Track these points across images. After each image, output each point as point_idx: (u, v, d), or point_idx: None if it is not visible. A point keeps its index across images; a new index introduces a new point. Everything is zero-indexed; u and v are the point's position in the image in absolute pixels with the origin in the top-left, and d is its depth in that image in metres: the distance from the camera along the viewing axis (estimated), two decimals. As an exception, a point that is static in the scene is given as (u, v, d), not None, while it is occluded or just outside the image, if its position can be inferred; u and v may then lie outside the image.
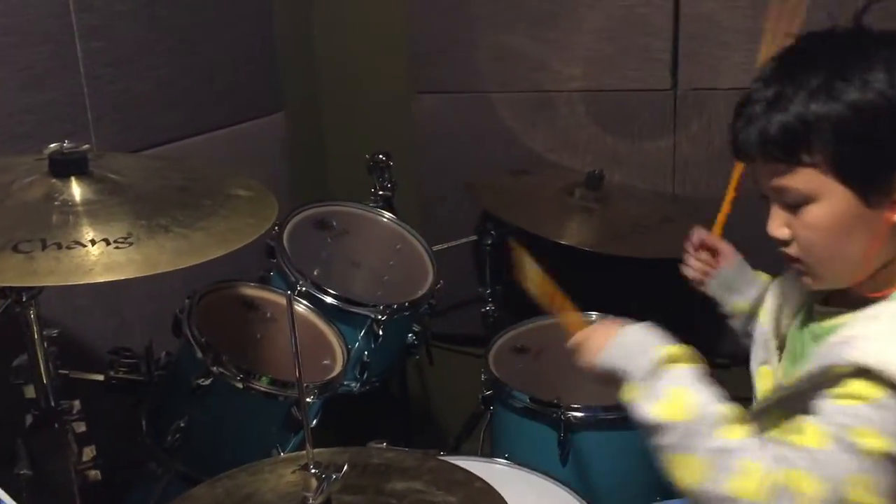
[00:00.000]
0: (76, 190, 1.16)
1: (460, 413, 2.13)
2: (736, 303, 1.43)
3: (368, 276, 1.87)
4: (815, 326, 1.12)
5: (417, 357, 1.94)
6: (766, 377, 1.22)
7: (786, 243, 1.05)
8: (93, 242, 1.05)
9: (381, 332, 1.68)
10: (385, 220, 1.94)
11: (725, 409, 1.00)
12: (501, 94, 2.22)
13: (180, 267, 1.05)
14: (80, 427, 1.31)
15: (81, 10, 1.62)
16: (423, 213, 2.33)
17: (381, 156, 2.00)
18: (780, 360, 1.21)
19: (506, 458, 1.60)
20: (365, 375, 1.71)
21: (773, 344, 1.22)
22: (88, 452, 1.27)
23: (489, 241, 2.11)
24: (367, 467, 1.14)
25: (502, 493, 1.08)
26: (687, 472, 0.98)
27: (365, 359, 1.70)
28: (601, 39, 2.10)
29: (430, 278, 1.85)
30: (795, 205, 1.01)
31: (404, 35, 2.30)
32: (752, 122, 1.00)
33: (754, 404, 1.20)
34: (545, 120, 2.20)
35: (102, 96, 1.69)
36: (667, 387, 1.02)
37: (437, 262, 1.91)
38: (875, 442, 0.90)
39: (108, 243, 1.05)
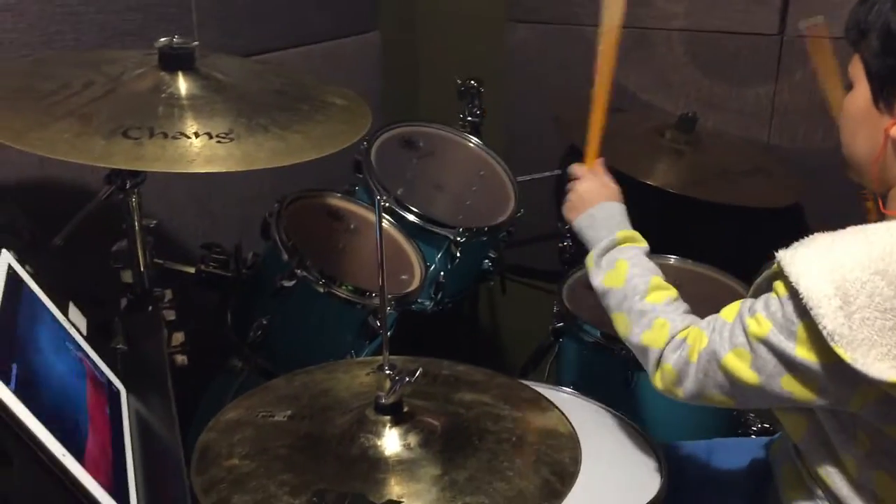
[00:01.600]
0: (182, 84, 1.20)
1: (528, 344, 2.15)
2: None
3: (450, 200, 1.89)
4: None
5: (492, 283, 1.96)
6: None
7: None
8: (196, 135, 1.09)
9: (458, 254, 1.71)
10: (471, 144, 1.95)
11: (653, 280, 1.23)
12: (597, 28, 2.17)
13: (276, 165, 1.08)
14: (171, 315, 1.38)
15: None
16: (509, 142, 2.32)
17: (472, 81, 2.00)
18: None
19: (571, 388, 1.62)
20: (439, 295, 1.74)
21: None
22: (178, 338, 1.34)
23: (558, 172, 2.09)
24: (437, 377, 1.18)
25: (569, 415, 1.11)
26: (619, 327, 1.24)
27: (440, 279, 1.73)
28: (710, -22, 2.04)
29: (511, 207, 1.86)
30: (847, 87, 1.10)
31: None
32: (852, 11, 1.08)
33: None
34: (641, 58, 2.16)
35: (207, 1, 1.72)
36: (614, 260, 1.26)
37: (519, 192, 1.91)
38: (757, 328, 1.01)
39: (210, 137, 1.09)
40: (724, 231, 2.05)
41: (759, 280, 1.09)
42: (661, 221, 2.10)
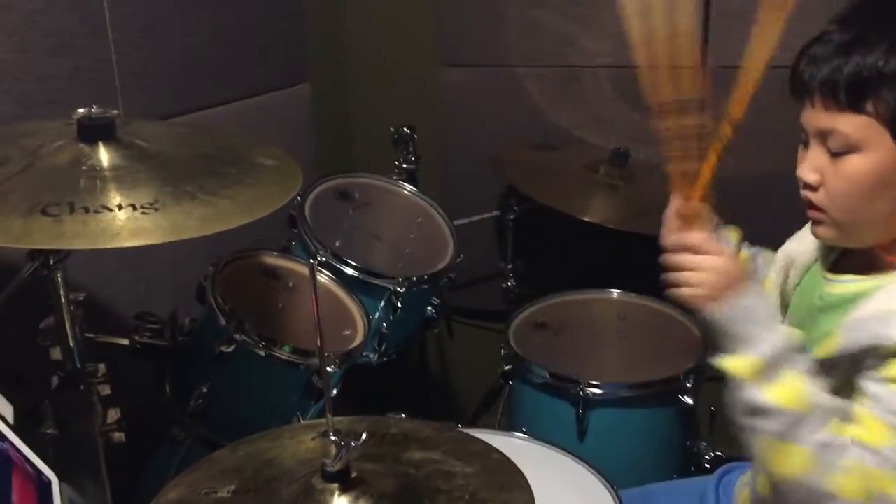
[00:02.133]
0: (104, 155, 1.16)
1: (479, 387, 2.14)
2: None
3: (389, 249, 1.88)
4: (826, 294, 1.10)
5: (436, 330, 1.95)
6: None
7: (812, 188, 1.03)
8: (120, 207, 1.06)
9: (399, 305, 1.69)
10: (407, 192, 1.94)
11: (834, 403, 0.98)
12: (528, 68, 2.21)
13: (206, 233, 1.05)
14: (105, 390, 1.33)
15: (110, -24, 1.63)
16: (446, 186, 2.33)
17: (405, 128, 2.00)
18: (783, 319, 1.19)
19: (524, 433, 1.60)
20: (383, 347, 1.72)
21: (778, 301, 1.21)
22: (113, 415, 1.29)
23: (512, 217, 2.10)
24: (385, 436, 1.15)
25: (522, 465, 1.09)
26: (789, 461, 0.96)
27: (384, 330, 1.71)
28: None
29: (451, 253, 1.85)
30: (837, 151, 0.99)
31: (432, 7, 2.28)
32: (824, 60, 0.98)
33: None
34: (571, 95, 2.19)
35: (130, 63, 1.69)
36: (786, 372, 0.98)
37: (458, 237, 1.91)
38: None
39: (134, 208, 1.06)
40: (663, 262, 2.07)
41: (841, 356, 0.98)
42: (601, 257, 2.13)
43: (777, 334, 0.99)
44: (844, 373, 0.98)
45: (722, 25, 2.01)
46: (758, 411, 0.98)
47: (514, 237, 2.13)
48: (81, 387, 1.27)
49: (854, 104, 0.96)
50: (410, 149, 1.99)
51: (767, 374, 0.98)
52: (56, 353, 1.29)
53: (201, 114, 1.88)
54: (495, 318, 2.18)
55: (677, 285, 1.07)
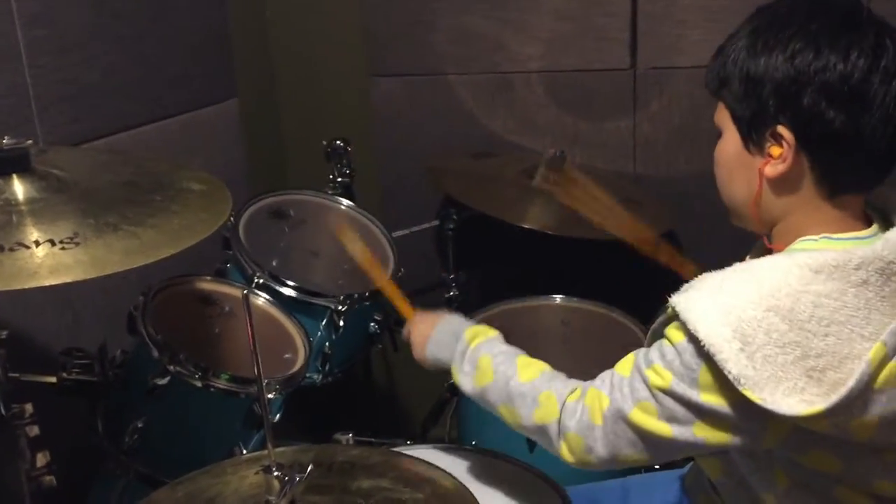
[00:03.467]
0: (18, 188, 1.11)
1: (427, 400, 2.12)
2: None
3: (328, 266, 1.84)
4: None
5: (381, 346, 1.92)
6: None
7: None
8: (37, 243, 1.01)
9: (342, 323, 1.66)
10: (343, 207, 1.91)
11: (519, 360, 1.21)
12: (460, 75, 2.19)
13: (130, 267, 1.01)
14: (34, 431, 1.26)
15: (21, -3, 1.56)
16: (383, 199, 2.30)
17: (338, 142, 1.96)
18: None
19: (473, 445, 1.59)
20: (327, 367, 1.69)
21: None
22: (42, 458, 1.23)
23: (451, 226, 2.08)
24: (332, 466, 1.12)
25: (472, 483, 1.07)
26: (509, 419, 1.20)
27: (326, 350, 1.68)
28: (559, 20, 2.08)
29: (392, 266, 1.83)
30: (718, 135, 1.10)
31: (360, 17, 2.25)
32: (713, 59, 1.09)
33: None
34: (505, 101, 2.18)
35: (47, 86, 1.62)
36: (474, 360, 1.23)
37: (398, 249, 1.88)
38: (658, 380, 1.01)
39: (53, 244, 1.01)
40: (604, 265, 2.08)
41: (654, 326, 1.08)
42: (541, 263, 2.12)
43: (458, 343, 1.26)
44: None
45: (647, 28, 2.04)
46: (476, 399, 1.24)
47: (455, 247, 2.11)
48: (6, 431, 1.20)
49: (716, 93, 1.08)
50: (345, 162, 1.96)
51: (464, 369, 1.25)
52: (-22, 397, 1.23)
53: (126, 135, 1.82)
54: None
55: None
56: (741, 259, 1.24)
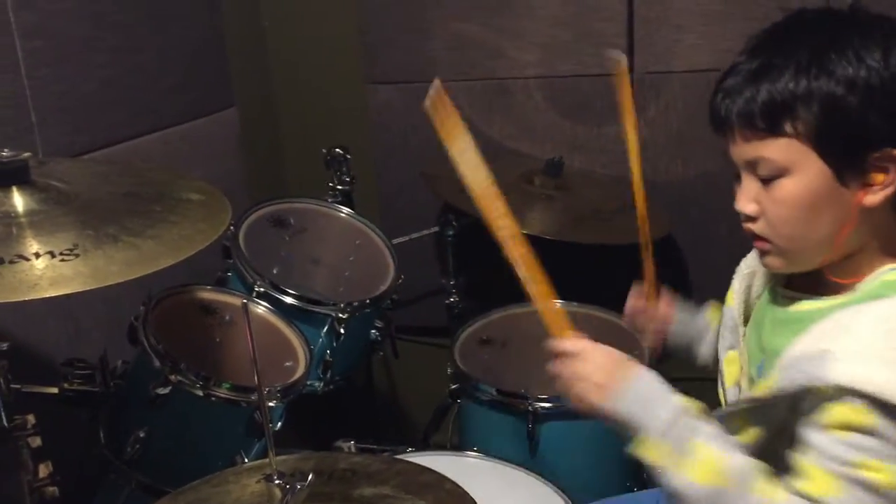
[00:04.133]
0: (18, 200, 1.11)
1: (428, 406, 2.12)
2: (702, 351, 1.38)
3: (329, 273, 1.85)
4: (780, 311, 1.09)
5: (381, 353, 1.92)
6: (733, 363, 1.19)
7: (753, 219, 1.02)
8: (37, 255, 1.01)
9: (342, 331, 1.66)
10: (343, 215, 1.91)
11: (755, 464, 0.96)
12: (457, 82, 2.20)
13: (130, 278, 1.01)
14: (36, 442, 1.26)
15: (20, 7, 1.56)
16: (382, 206, 2.30)
17: (338, 149, 1.97)
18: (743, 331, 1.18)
19: (475, 451, 1.59)
20: (328, 375, 1.69)
21: (741, 329, 1.19)
22: (44, 469, 1.23)
23: (451, 232, 2.08)
24: (333, 473, 1.12)
25: (474, 488, 1.07)
26: None
27: (328, 358, 1.68)
28: (556, 25, 2.09)
29: (392, 273, 1.83)
30: (768, 178, 0.98)
31: (356, 25, 2.26)
32: (737, 91, 0.97)
33: (722, 399, 1.19)
34: (502, 107, 2.18)
35: (46, 97, 1.63)
36: (692, 444, 0.96)
37: (398, 256, 1.88)
38: (882, 475, 0.87)
39: (53, 256, 1.01)
40: (603, 270, 2.08)
41: (761, 403, 0.97)
42: (540, 268, 2.12)
43: (669, 407, 0.99)
44: (783, 413, 0.97)
45: (644, 33, 2.04)
46: (679, 495, 0.96)
47: (455, 253, 2.12)
48: (9, 443, 1.20)
49: (773, 129, 0.95)
50: (344, 169, 1.96)
51: (673, 450, 0.96)
52: (-20, 409, 1.23)
53: (125, 145, 1.82)
54: (440, 333, 2.16)
55: (568, 395, 1.07)
56: (738, 263, 1.23)
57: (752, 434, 1.01)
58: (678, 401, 1.00)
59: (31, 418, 1.27)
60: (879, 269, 0.97)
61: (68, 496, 1.27)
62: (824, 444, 0.91)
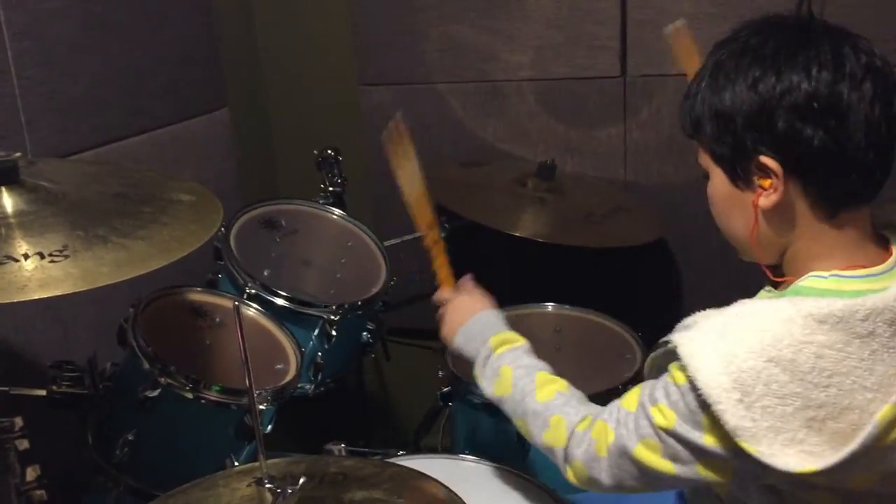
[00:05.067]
0: (7, 201, 1.10)
1: (419, 408, 2.11)
2: None
3: (320, 275, 1.84)
4: None
5: (373, 355, 1.91)
6: None
7: None
8: (26, 256, 1.00)
9: (334, 333, 1.65)
10: (335, 216, 1.90)
11: (538, 377, 1.21)
12: (450, 84, 2.20)
13: (120, 279, 1.00)
14: (23, 444, 1.25)
15: (9, 8, 1.55)
16: (374, 208, 2.29)
17: (329, 151, 1.96)
18: None
19: (466, 454, 1.58)
20: (319, 377, 1.68)
21: None
22: (32, 472, 1.22)
23: (442, 235, 2.07)
24: (324, 477, 1.11)
25: (467, 491, 1.07)
26: (522, 431, 1.21)
27: (318, 360, 1.67)
28: (549, 28, 2.09)
29: (384, 275, 1.82)
30: (705, 177, 1.09)
31: (349, 26, 2.25)
32: (685, 99, 1.09)
33: None
34: (495, 110, 2.18)
35: (35, 98, 1.62)
36: (496, 368, 1.25)
37: (390, 258, 1.88)
38: (662, 420, 1.00)
39: (42, 257, 1.00)
40: (595, 273, 2.08)
41: (653, 356, 1.08)
42: (533, 271, 2.12)
43: (486, 344, 1.27)
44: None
45: (637, 36, 2.04)
46: (496, 403, 1.25)
47: (446, 255, 2.11)
48: (-4, 447, 1.19)
49: (693, 136, 1.08)
50: (336, 171, 1.95)
51: (485, 374, 1.27)
52: (-33, 411, 1.21)
53: (115, 146, 1.81)
54: (433, 336, 2.15)
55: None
56: (731, 266, 1.24)
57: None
58: (496, 337, 1.28)
59: (18, 421, 1.26)
60: (808, 274, 1.02)
61: (56, 499, 1.26)
62: (660, 381, 1.03)
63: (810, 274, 1.01)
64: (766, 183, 1.00)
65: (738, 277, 1.11)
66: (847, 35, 0.99)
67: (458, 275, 1.47)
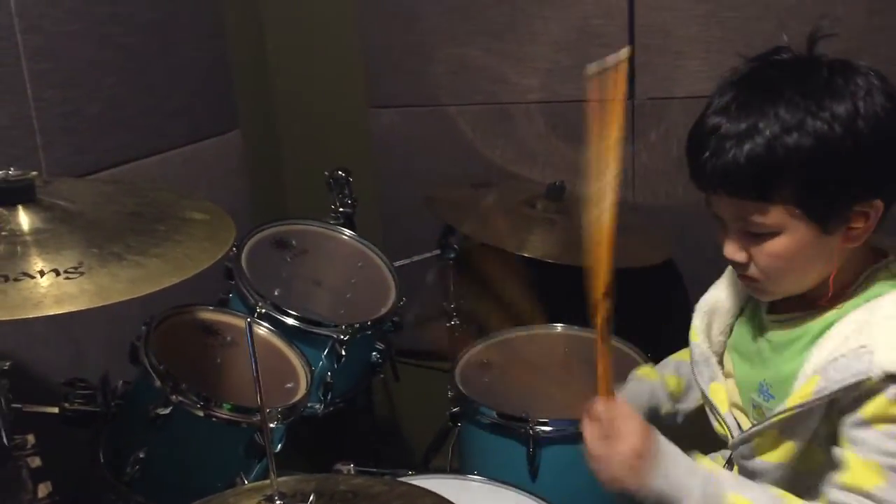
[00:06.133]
0: (24, 219, 1.12)
1: (429, 429, 2.11)
2: (665, 410, 1.46)
3: (330, 295, 1.85)
4: (777, 335, 1.14)
5: (382, 375, 1.91)
6: (719, 391, 1.24)
7: (743, 266, 1.07)
8: (42, 273, 1.02)
9: (343, 353, 1.66)
10: (345, 237, 1.92)
11: (782, 493, 1.04)
12: (459, 106, 2.22)
13: (134, 296, 1.02)
14: (36, 462, 1.26)
15: (26, 31, 1.58)
16: (384, 228, 2.31)
17: (340, 172, 1.97)
18: (723, 375, 1.24)
19: (476, 475, 1.58)
20: (329, 396, 1.68)
21: (713, 360, 1.25)
22: (44, 489, 1.23)
23: (451, 256, 2.09)
24: (334, 495, 1.11)
25: (475, 510, 1.07)
26: None
27: (328, 379, 1.67)
28: (557, 51, 2.11)
29: (393, 295, 1.83)
30: (758, 234, 1.03)
31: (359, 50, 2.28)
32: (719, 154, 0.99)
33: (720, 425, 1.22)
34: (504, 132, 2.20)
35: (51, 119, 1.64)
36: (725, 499, 1.04)
37: (399, 279, 1.89)
38: None
39: (58, 273, 1.02)
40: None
41: (811, 404, 1.00)
42: (542, 291, 2.13)
43: (699, 478, 1.06)
44: (817, 421, 1.01)
45: (645, 60, 2.06)
46: None
47: (455, 276, 2.12)
48: (9, 462, 1.20)
49: (761, 195, 0.99)
50: (346, 192, 1.97)
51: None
52: (-20, 428, 1.23)
53: (129, 167, 1.83)
54: (441, 357, 2.16)
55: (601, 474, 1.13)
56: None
57: (786, 448, 1.05)
58: (704, 468, 1.07)
59: (31, 438, 1.27)
60: (863, 274, 1.03)
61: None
62: (868, 437, 0.95)
63: (868, 271, 1.03)
64: (860, 223, 0.99)
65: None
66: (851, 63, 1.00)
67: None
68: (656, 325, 2.15)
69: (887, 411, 0.94)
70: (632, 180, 2.14)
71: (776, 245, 1.01)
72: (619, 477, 1.09)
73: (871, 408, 0.95)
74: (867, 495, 0.96)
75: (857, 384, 0.95)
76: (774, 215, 0.99)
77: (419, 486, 1.15)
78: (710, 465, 1.10)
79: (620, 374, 1.83)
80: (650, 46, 2.05)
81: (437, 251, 2.14)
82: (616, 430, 1.11)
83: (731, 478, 1.10)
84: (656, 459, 1.07)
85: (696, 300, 2.01)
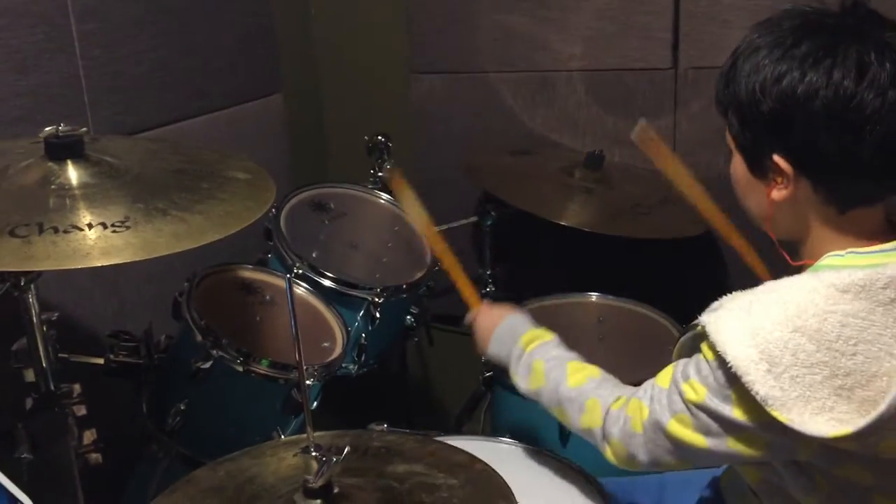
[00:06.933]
0: (72, 173, 1.15)
1: (461, 394, 2.13)
2: None
3: (366, 258, 1.87)
4: None
5: (416, 340, 1.93)
6: None
7: None
8: (90, 226, 1.05)
9: (378, 315, 1.68)
10: (383, 201, 1.93)
11: (569, 366, 1.25)
12: (501, 73, 2.21)
13: (178, 250, 1.04)
14: (81, 410, 1.31)
15: (76, -9, 1.61)
16: (422, 194, 2.31)
17: (380, 137, 1.98)
18: None
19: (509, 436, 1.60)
20: (363, 358, 1.71)
21: None
22: (89, 436, 1.27)
23: (489, 223, 2.10)
24: (367, 450, 1.14)
25: (506, 473, 1.09)
26: (561, 420, 1.25)
27: (363, 341, 1.70)
28: (601, 18, 2.09)
29: (429, 261, 1.84)
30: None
31: (403, 15, 2.28)
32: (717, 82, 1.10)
33: None
34: (545, 100, 2.19)
35: (98, 78, 1.67)
36: (528, 364, 1.29)
37: (436, 244, 1.90)
38: (693, 394, 1.02)
39: (105, 227, 1.05)
40: (641, 264, 2.08)
41: (683, 339, 1.10)
42: (578, 260, 2.13)
43: (516, 344, 1.32)
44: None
45: (690, 28, 2.03)
46: (534, 399, 1.29)
47: (492, 242, 2.13)
48: (56, 409, 1.24)
49: (723, 116, 1.09)
50: (385, 157, 1.98)
51: (519, 372, 1.30)
52: (29, 375, 1.27)
53: (173, 127, 1.86)
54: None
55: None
56: (776, 260, 1.25)
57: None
58: (525, 335, 1.32)
59: (77, 387, 1.32)
60: (825, 255, 1.04)
61: (111, 463, 1.31)
62: (693, 358, 1.05)
63: (828, 254, 1.03)
64: (779, 179, 1.03)
65: (783, 271, 1.11)
66: (882, 37, 0.97)
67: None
68: (692, 295, 2.14)
69: (704, 347, 1.02)
70: (672, 150, 2.12)
71: (731, 164, 1.11)
72: (477, 344, 1.41)
73: (703, 342, 1.03)
74: (652, 386, 1.11)
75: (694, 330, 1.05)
76: (728, 136, 1.09)
77: (450, 444, 1.17)
78: (537, 333, 1.32)
79: (655, 343, 1.84)
80: (696, 14, 2.02)
81: (475, 217, 2.15)
82: (481, 312, 1.43)
83: (545, 345, 1.30)
84: (500, 329, 1.35)
85: (734, 272, 2.01)
